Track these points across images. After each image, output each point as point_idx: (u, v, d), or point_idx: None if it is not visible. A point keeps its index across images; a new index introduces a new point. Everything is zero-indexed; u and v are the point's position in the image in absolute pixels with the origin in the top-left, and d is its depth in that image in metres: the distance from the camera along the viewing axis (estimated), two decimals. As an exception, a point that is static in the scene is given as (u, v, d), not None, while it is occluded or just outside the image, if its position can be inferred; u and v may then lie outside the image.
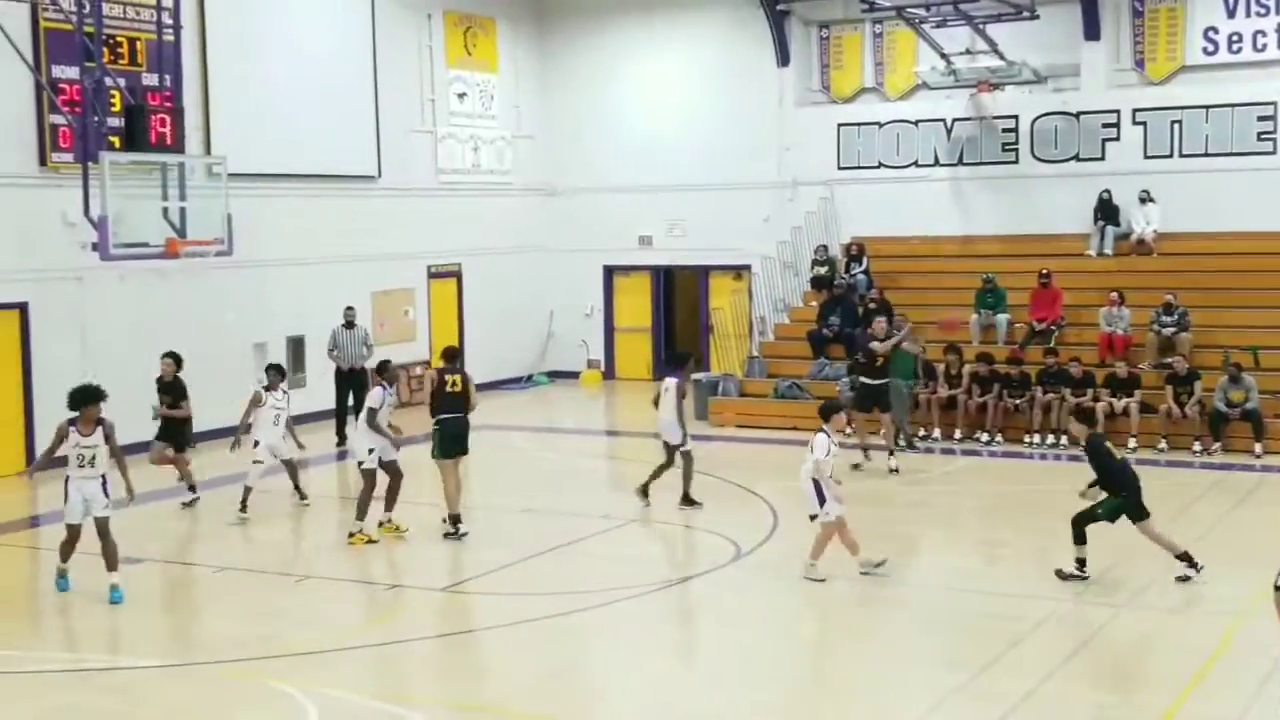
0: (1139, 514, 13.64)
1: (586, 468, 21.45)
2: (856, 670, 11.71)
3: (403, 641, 12.61)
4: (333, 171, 25.06)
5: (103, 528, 13.48)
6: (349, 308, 22.71)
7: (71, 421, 13.53)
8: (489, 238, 28.96)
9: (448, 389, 15.94)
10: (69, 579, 13.81)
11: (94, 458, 13.50)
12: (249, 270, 22.67)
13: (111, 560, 13.45)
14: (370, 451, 15.84)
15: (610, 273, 30.43)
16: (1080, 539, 13.68)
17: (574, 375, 30.23)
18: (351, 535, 15.66)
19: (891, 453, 19.58)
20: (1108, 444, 13.95)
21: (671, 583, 14.04)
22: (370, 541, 15.62)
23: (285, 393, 17.75)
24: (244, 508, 16.88)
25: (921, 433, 21.93)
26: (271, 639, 12.34)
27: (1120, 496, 13.57)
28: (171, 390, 17.87)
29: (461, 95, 28.41)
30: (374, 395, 15.98)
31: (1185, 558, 13.68)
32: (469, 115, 28.59)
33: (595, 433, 25.55)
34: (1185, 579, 13.57)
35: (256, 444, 17.33)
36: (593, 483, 20.68)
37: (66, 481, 13.62)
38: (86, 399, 13.63)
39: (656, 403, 17.32)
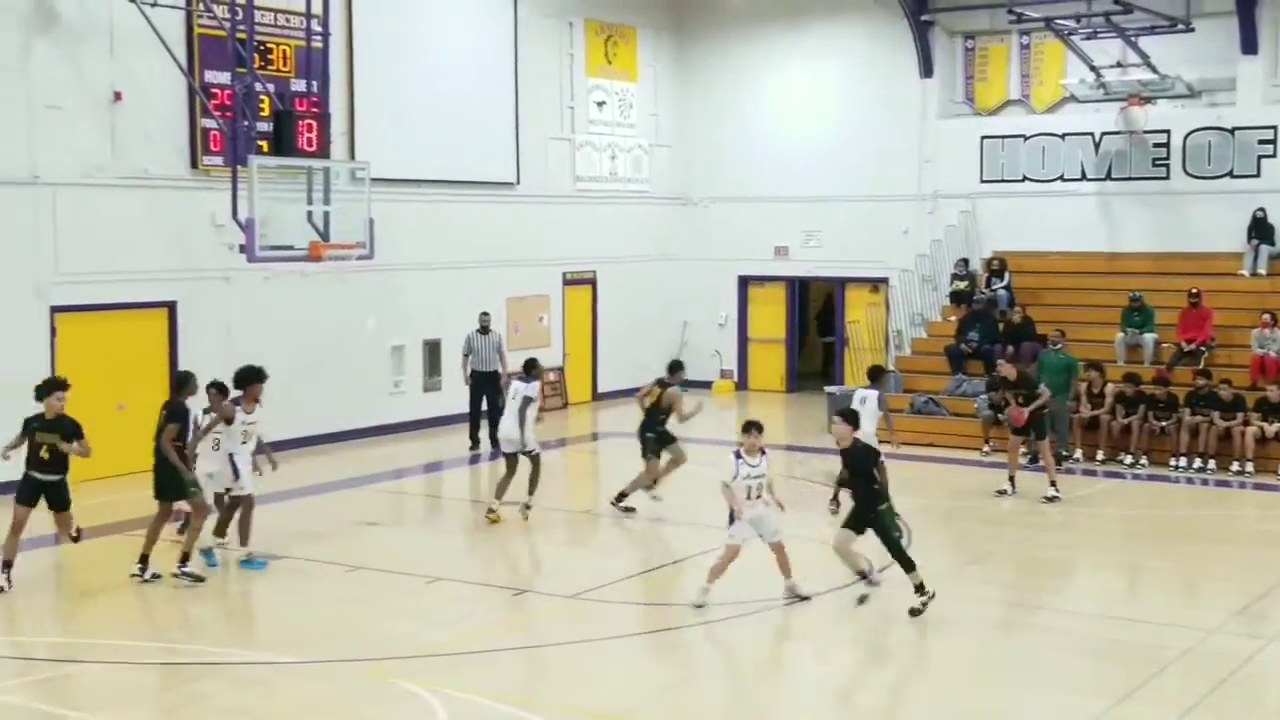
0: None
1: (715, 479, 21.28)
2: (994, 695, 11.43)
3: (530, 647, 12.64)
4: (472, 178, 25.29)
5: (249, 503, 14.70)
6: (484, 313, 22.90)
7: (236, 400, 14.58)
8: (624, 246, 29.03)
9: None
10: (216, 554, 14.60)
11: (255, 434, 14.75)
12: (388, 274, 22.99)
13: (245, 535, 14.78)
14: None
15: (745, 283, 30.30)
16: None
17: (707, 385, 30.11)
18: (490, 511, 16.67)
19: (1052, 482, 18.92)
20: None
21: (800, 598, 13.85)
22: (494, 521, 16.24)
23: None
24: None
25: (1064, 453, 21.44)
26: (401, 639, 12.41)
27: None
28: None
29: (600, 103, 28.52)
30: (533, 387, 17.06)
31: None
32: (607, 123, 28.68)
33: (727, 444, 25.26)
34: None
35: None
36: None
37: (231, 457, 14.65)
38: (253, 377, 14.82)
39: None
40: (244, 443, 14.70)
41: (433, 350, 24.55)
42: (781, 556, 13.58)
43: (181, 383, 14.71)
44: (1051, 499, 18.53)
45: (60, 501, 13.97)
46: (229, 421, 14.58)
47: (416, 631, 12.68)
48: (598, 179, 28.52)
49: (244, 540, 14.90)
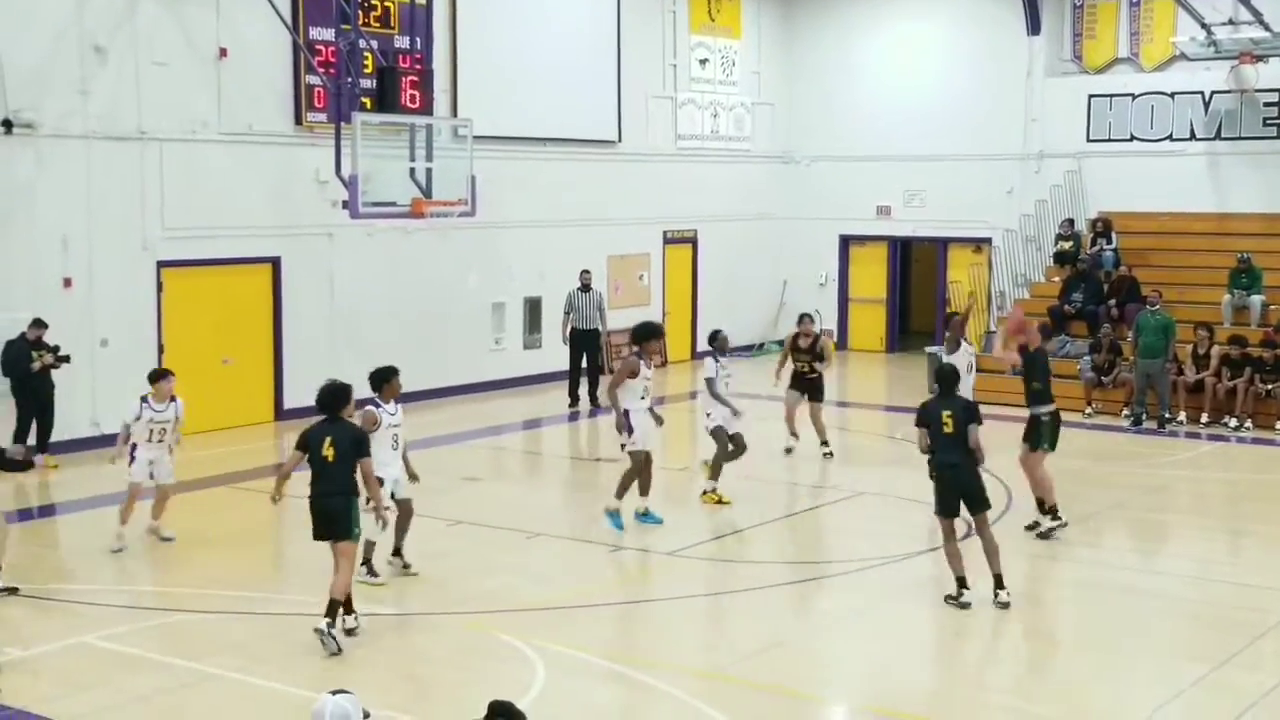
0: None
1: (816, 438, 21.28)
2: (1092, 657, 11.36)
3: (630, 603, 12.76)
4: (574, 136, 25.36)
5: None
6: (585, 271, 22.99)
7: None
8: (726, 204, 28.97)
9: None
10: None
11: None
12: (490, 231, 23.16)
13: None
14: (709, 415, 16.24)
15: (846, 242, 30.13)
16: None
17: (807, 345, 30.00)
18: (704, 493, 16.11)
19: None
20: None
21: (900, 558, 13.85)
22: (720, 502, 15.93)
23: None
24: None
25: (1167, 415, 21.17)
26: (501, 593, 12.59)
27: None
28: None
29: (703, 61, 28.41)
30: (707, 365, 16.27)
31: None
32: (710, 81, 28.59)
33: (826, 403, 25.29)
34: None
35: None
36: (821, 453, 20.51)
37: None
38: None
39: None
40: (394, 449, 12.67)
41: (533, 308, 24.72)
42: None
43: (344, 400, 11.58)
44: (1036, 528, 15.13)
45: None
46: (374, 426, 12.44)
47: (516, 586, 12.84)
48: (699, 137, 28.46)
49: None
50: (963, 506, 12.39)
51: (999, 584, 12.24)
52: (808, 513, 15.73)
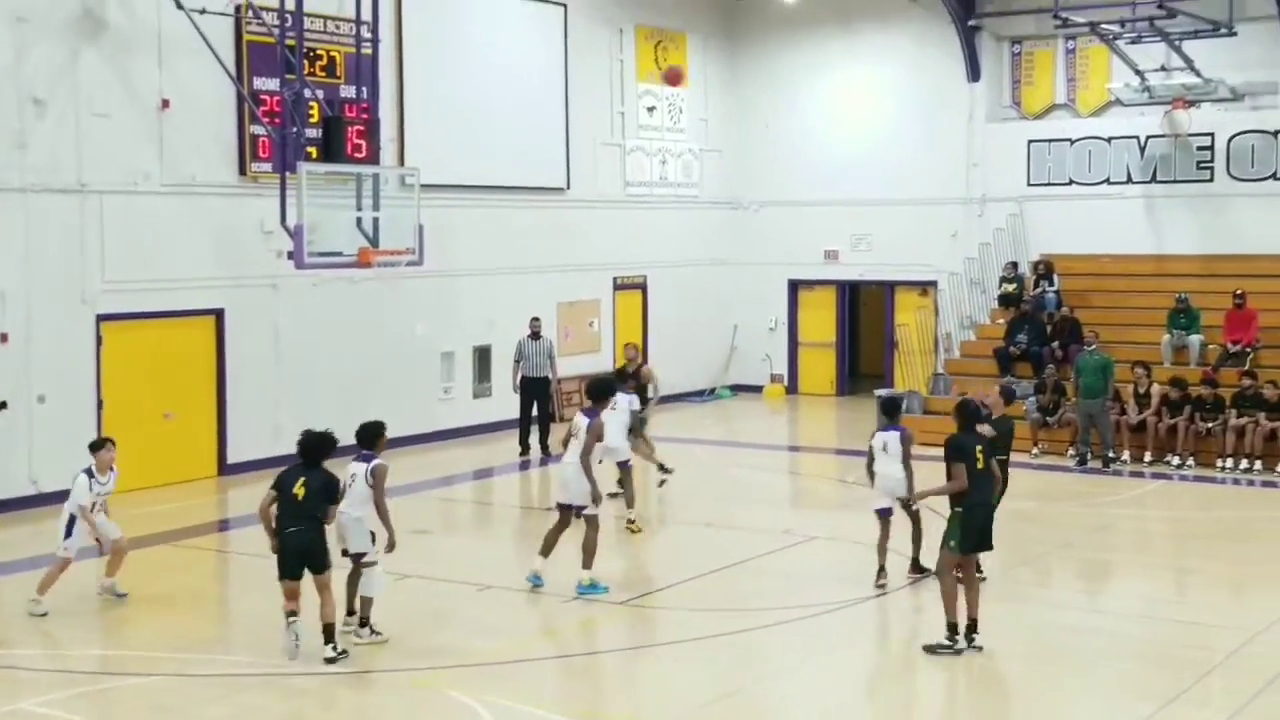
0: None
1: (767, 483, 21.36)
2: (1041, 697, 11.43)
3: (582, 655, 12.72)
4: (523, 183, 25.43)
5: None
6: (535, 318, 23.01)
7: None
8: (675, 250, 29.10)
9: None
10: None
11: None
12: (438, 280, 23.15)
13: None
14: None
15: (795, 287, 30.31)
16: None
17: (757, 389, 30.16)
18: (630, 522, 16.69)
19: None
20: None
21: (852, 602, 13.88)
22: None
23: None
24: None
25: (1110, 455, 21.40)
26: (451, 648, 12.50)
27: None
28: None
29: (651, 109, 28.60)
30: (635, 400, 17.22)
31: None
32: (657, 128, 28.76)
33: (777, 448, 25.43)
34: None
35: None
36: (774, 498, 20.59)
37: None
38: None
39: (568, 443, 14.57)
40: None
41: (483, 356, 24.70)
42: None
43: (328, 448, 12.17)
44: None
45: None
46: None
47: (466, 640, 12.75)
48: (648, 184, 28.61)
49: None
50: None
51: (975, 628, 12.22)
52: (760, 559, 15.73)
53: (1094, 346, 21.97)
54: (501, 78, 24.82)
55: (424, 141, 23.04)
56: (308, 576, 11.96)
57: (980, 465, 12.15)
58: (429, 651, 12.41)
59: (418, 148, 22.84)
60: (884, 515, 14.44)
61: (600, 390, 14.69)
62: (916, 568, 14.61)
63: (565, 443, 14.41)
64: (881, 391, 24.54)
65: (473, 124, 24.08)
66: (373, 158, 19.76)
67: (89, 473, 13.64)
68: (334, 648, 11.94)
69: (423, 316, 23.47)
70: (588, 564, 14.13)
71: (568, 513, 14.26)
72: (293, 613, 11.98)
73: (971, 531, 12.17)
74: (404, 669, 11.94)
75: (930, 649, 12.13)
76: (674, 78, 20.32)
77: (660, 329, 28.76)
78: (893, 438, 14.43)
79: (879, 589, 14.23)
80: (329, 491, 11.92)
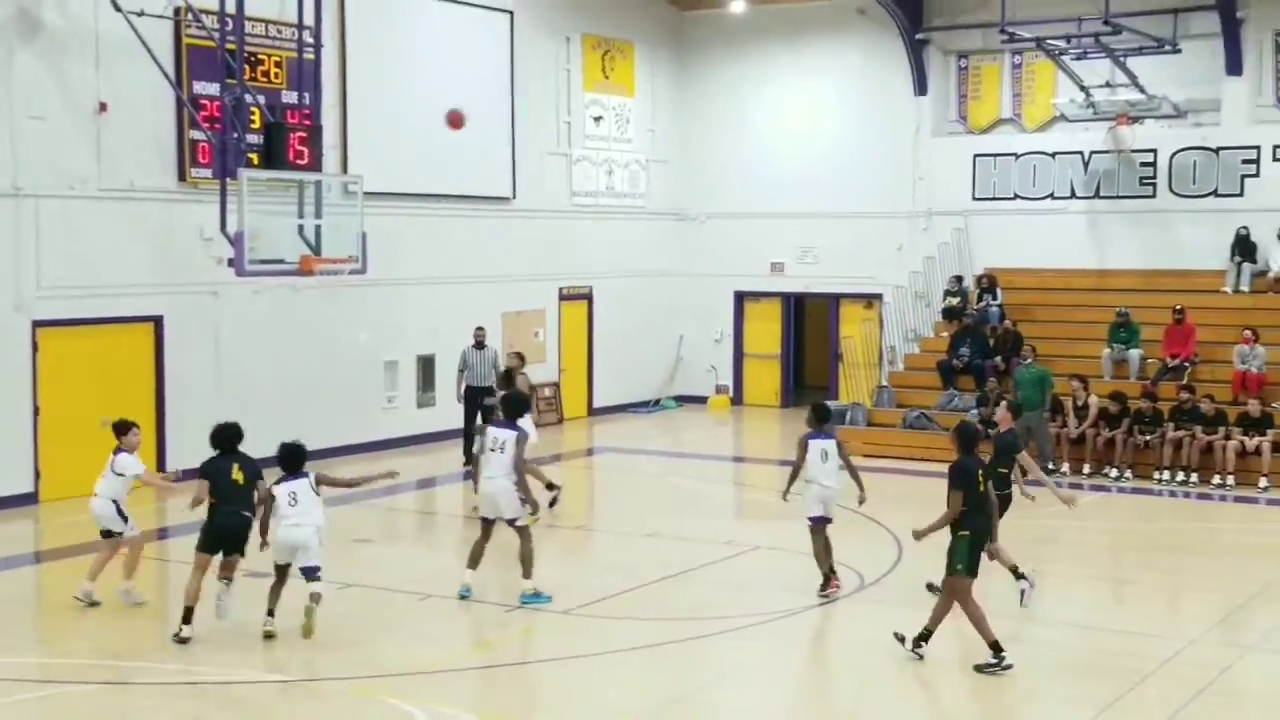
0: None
1: (711, 493, 21.33)
2: (977, 706, 11.47)
3: (524, 664, 12.63)
4: (468, 192, 25.33)
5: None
6: (479, 328, 22.89)
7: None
8: (621, 261, 29.08)
9: None
10: None
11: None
12: (382, 288, 23.00)
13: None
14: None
15: (741, 298, 30.35)
16: None
17: (702, 400, 30.17)
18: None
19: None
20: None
21: (793, 612, 13.87)
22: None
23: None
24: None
25: (1050, 467, 21.54)
26: (392, 657, 12.39)
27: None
28: None
29: (598, 118, 28.59)
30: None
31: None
32: (604, 138, 28.75)
33: (721, 458, 25.41)
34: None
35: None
36: (717, 508, 20.57)
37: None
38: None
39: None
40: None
41: (426, 365, 24.56)
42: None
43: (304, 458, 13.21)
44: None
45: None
46: None
47: (408, 648, 12.66)
48: (594, 194, 28.58)
49: None
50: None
51: (927, 639, 12.18)
52: (703, 569, 15.70)
53: (1029, 360, 22.19)
54: (447, 85, 24.62)
55: (368, 149, 22.90)
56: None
57: (982, 488, 12.15)
58: (369, 660, 12.28)
59: (361, 155, 22.69)
60: (821, 524, 14.36)
61: (520, 406, 14.92)
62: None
63: (477, 460, 14.61)
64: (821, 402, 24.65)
65: (417, 131, 23.92)
66: (315, 164, 19.61)
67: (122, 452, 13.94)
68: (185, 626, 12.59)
69: (366, 325, 23.32)
70: (527, 574, 14.05)
71: (490, 525, 14.20)
72: (226, 578, 12.83)
73: (978, 553, 12.15)
74: (344, 677, 11.82)
75: (980, 669, 11.95)
76: (456, 121, 20.31)
77: (606, 340, 28.72)
78: (831, 445, 14.36)
79: (824, 598, 14.22)
80: (259, 472, 13.09)
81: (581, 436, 26.36)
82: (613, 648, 12.91)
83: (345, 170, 22.14)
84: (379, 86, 23.39)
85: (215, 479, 12.91)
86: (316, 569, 12.78)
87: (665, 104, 30.22)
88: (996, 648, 11.95)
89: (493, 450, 14.07)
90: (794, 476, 14.42)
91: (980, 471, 12.23)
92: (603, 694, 11.79)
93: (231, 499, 12.85)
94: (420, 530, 19.33)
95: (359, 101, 23.01)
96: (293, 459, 12.96)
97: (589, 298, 28.56)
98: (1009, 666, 11.89)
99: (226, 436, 13.18)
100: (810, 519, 14.34)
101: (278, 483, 12.82)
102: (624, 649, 12.79)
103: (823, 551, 14.43)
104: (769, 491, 19.58)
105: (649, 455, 23.88)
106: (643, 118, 29.68)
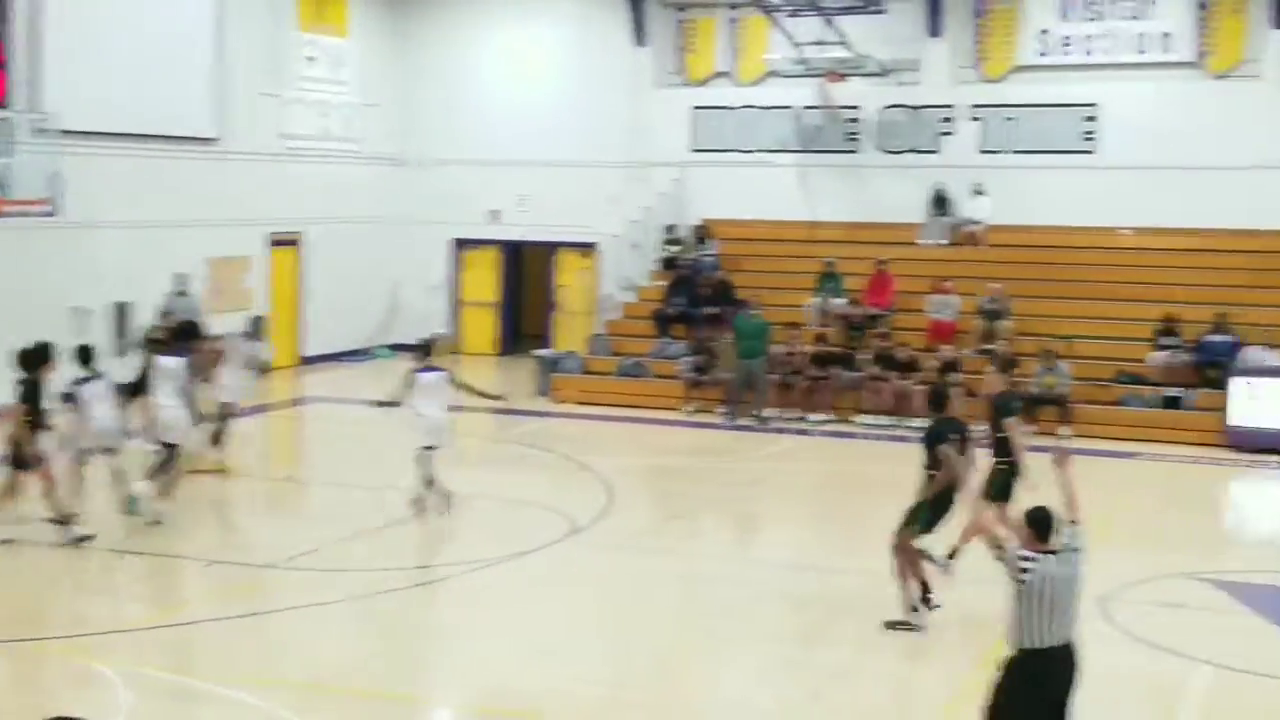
0: None
1: (402, 444, 21.11)
2: (686, 644, 11.74)
3: (222, 619, 12.25)
4: (171, 132, 24.26)
5: None
6: (181, 274, 22.04)
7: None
8: (335, 206, 28.40)
9: None
10: None
11: None
12: (77, 231, 21.82)
13: None
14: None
15: (460, 246, 30.11)
16: None
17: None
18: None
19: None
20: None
21: (506, 558, 13.88)
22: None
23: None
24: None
25: (762, 415, 22.17)
26: (88, 617, 11.96)
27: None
28: None
29: (311, 59, 27.82)
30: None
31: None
32: (318, 80, 28.01)
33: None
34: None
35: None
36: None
37: None
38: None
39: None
40: None
41: (124, 313, 23.51)
42: None
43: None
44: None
45: None
46: None
47: (106, 608, 12.27)
48: (308, 137, 27.82)
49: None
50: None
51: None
52: (414, 519, 15.55)
53: (754, 311, 22.67)
54: (151, 20, 23.53)
55: (64, 85, 21.57)
56: None
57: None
58: (64, 620, 11.85)
59: (56, 92, 21.38)
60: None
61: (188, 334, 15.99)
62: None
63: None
64: (541, 352, 24.76)
65: (119, 68, 22.71)
66: (3, 101, 18.55)
67: None
68: None
69: (60, 270, 22.15)
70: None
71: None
72: None
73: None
74: (30, 639, 11.30)
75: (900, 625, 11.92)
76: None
77: (318, 287, 28.06)
78: (439, 378, 15.48)
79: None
80: None
81: (290, 386, 25.76)
82: (320, 600, 12.66)
83: (37, 107, 20.92)
84: (77, 20, 22.11)
85: None
86: None
87: (381, 47, 29.60)
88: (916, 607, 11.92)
89: (165, 379, 14.68)
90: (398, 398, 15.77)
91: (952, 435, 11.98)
92: (308, 649, 11.55)
93: None
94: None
95: (55, 35, 21.62)
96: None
97: (299, 244, 27.87)
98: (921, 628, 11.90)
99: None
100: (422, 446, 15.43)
101: None
102: (332, 601, 12.58)
103: (428, 476, 15.32)
104: (481, 440, 19.56)
105: (356, 405, 23.49)
106: (358, 59, 29.02)
